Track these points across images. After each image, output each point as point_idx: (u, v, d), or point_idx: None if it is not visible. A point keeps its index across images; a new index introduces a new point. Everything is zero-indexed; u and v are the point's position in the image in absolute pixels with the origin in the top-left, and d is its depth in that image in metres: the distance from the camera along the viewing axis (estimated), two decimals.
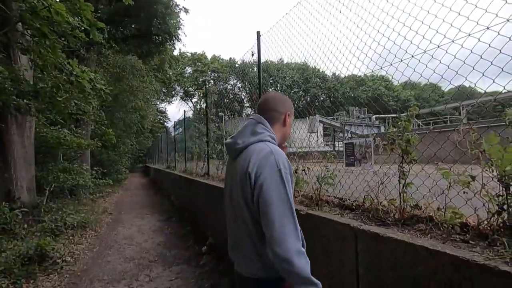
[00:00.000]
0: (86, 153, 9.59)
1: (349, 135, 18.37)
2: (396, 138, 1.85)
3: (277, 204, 1.05)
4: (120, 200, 10.74)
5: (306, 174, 2.87)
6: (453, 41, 1.61)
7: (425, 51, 1.81)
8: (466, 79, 1.56)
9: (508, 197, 1.26)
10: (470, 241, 1.33)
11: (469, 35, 1.52)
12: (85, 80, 3.56)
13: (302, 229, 1.96)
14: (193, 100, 42.24)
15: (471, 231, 1.41)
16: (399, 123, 1.83)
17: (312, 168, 2.82)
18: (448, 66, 1.64)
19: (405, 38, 1.94)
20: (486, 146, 1.28)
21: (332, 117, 18.57)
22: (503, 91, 1.42)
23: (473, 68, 1.47)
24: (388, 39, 2.06)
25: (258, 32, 3.79)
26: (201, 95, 7.07)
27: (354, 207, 2.23)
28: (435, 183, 1.68)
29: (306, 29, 2.93)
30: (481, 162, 1.43)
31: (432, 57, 1.75)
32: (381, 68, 2.23)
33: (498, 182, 1.31)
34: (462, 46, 1.55)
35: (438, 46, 1.71)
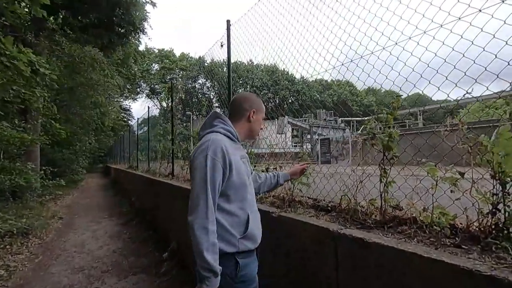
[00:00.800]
0: (35, 150, 8.60)
1: (317, 137, 18.67)
2: (377, 133, 1.71)
3: (197, 182, 1.22)
4: (75, 202, 9.83)
5: None
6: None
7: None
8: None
9: (505, 196, 1.14)
10: (462, 246, 1.19)
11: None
12: (21, 62, 2.99)
13: (274, 232, 1.72)
14: (160, 97, 40.71)
15: (460, 234, 1.28)
16: (380, 115, 1.68)
17: (284, 167, 2.63)
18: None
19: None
20: (494, 138, 1.15)
21: (300, 119, 18.80)
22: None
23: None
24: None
25: (228, 21, 3.54)
26: (167, 90, 6.63)
27: (329, 208, 2.06)
28: (418, 181, 1.55)
29: (277, 22, 2.82)
30: (471, 158, 1.31)
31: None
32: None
33: (493, 179, 1.19)
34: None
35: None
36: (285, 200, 2.40)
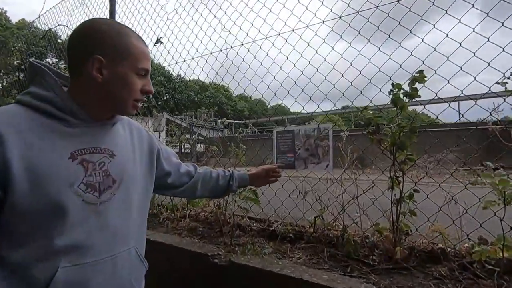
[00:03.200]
0: None
1: (197, 137, 18.00)
2: (384, 123, 1.16)
3: None
4: None
5: None
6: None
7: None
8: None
9: None
10: None
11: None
12: None
13: None
14: None
15: None
16: (393, 98, 1.13)
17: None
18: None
19: None
20: None
21: (180, 117, 17.63)
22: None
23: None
24: None
25: None
26: None
27: (292, 236, 1.38)
28: (449, 197, 1.08)
29: None
30: None
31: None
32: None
33: None
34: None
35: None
36: (213, 223, 1.57)
